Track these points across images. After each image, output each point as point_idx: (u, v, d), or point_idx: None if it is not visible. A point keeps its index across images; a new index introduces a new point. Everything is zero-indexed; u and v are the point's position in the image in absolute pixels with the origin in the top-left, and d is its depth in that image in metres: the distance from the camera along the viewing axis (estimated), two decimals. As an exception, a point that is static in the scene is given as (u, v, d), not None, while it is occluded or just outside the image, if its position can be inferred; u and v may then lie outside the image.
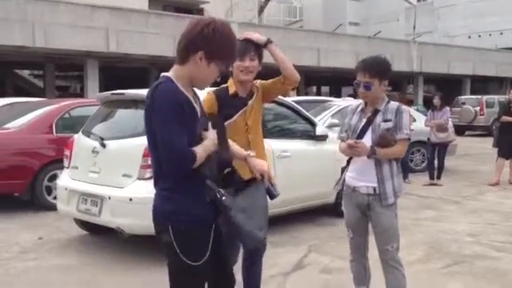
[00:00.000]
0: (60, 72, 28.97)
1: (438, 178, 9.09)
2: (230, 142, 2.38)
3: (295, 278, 4.32)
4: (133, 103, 5.11)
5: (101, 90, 16.98)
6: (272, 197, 2.38)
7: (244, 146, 2.77)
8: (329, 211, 6.19)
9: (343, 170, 3.35)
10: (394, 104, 3.21)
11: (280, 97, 5.96)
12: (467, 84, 32.90)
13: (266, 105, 5.59)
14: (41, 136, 6.90)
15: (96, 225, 4.99)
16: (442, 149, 9.08)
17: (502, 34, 40.27)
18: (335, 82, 33.57)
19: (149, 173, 4.28)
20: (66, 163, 5.45)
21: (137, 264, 4.58)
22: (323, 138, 5.99)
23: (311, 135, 5.97)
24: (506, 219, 6.41)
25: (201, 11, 29.83)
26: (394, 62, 3.34)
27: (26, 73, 31.20)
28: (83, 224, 5.41)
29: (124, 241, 5.04)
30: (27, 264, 4.68)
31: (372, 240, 3.26)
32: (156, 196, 2.25)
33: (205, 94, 3.04)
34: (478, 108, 20.94)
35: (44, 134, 6.91)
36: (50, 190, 6.76)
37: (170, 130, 2.06)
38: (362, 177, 3.18)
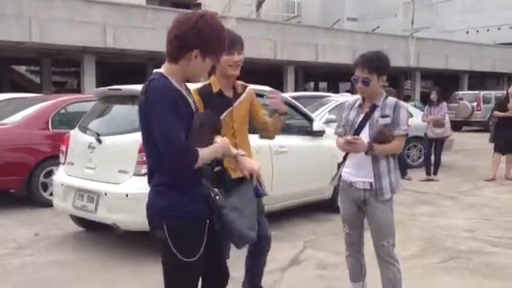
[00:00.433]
0: (57, 68, 28.92)
1: (435, 173, 9.11)
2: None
3: (291, 273, 4.32)
4: (129, 99, 5.09)
5: (97, 86, 16.93)
6: (259, 195, 2.39)
7: None
8: (325, 207, 6.19)
9: (339, 165, 3.35)
10: (392, 100, 3.21)
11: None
12: (465, 79, 32.94)
13: (263, 100, 5.64)
14: (37, 132, 6.87)
15: (92, 221, 4.97)
16: (438, 144, 9.09)
17: (499, 29, 40.32)
18: (333, 77, 33.60)
19: (145, 169, 4.24)
20: (62, 159, 5.43)
21: (132, 260, 4.57)
22: (320, 133, 5.99)
23: (308, 131, 5.97)
24: (502, 214, 6.42)
25: (198, 6, 29.75)
26: (391, 58, 3.32)
27: (22, 69, 31.16)
28: (79, 220, 5.40)
29: (119, 237, 5.03)
30: (23, 260, 4.68)
31: (368, 235, 3.27)
32: (150, 192, 2.24)
33: None
34: (475, 103, 20.94)
35: (40, 130, 6.89)
36: (46, 187, 6.74)
37: (168, 126, 2.05)
38: (358, 172, 3.18)
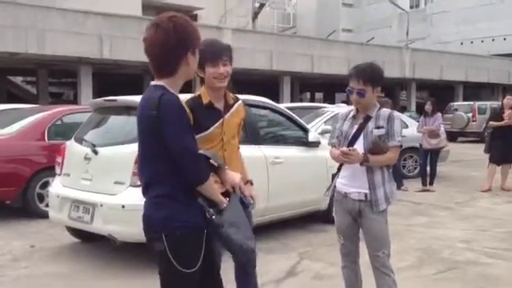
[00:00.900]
0: (53, 79, 28.88)
1: (431, 184, 9.13)
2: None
3: (287, 285, 4.31)
4: (125, 110, 5.10)
5: (94, 97, 16.95)
6: (245, 206, 2.42)
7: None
8: (320, 218, 6.19)
9: (334, 176, 3.36)
10: (385, 111, 3.23)
11: (272, 102, 6.01)
12: (460, 90, 33.11)
13: (259, 111, 5.67)
14: (33, 143, 6.87)
15: (88, 232, 4.96)
16: (434, 155, 9.12)
17: (493, 40, 40.60)
18: (329, 88, 33.69)
19: (141, 180, 4.27)
20: (57, 170, 5.43)
21: (128, 271, 4.56)
22: (316, 144, 6.00)
23: (304, 141, 5.99)
24: (498, 225, 6.44)
25: (194, 17, 29.87)
26: (386, 69, 3.35)
27: (19, 79, 31.10)
28: (75, 232, 5.38)
29: (115, 248, 5.02)
30: (19, 272, 4.65)
31: (363, 246, 3.27)
32: (148, 204, 2.24)
33: None
34: (470, 114, 21.05)
35: (36, 141, 6.88)
36: (42, 198, 6.71)
37: (187, 141, 2.13)
38: (353, 183, 3.19)
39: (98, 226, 4.65)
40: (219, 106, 2.97)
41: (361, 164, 3.09)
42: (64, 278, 4.50)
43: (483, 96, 32.03)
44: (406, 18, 35.90)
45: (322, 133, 7.70)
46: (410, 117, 14.79)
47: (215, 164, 2.31)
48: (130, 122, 4.77)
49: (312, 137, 6.03)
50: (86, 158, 4.93)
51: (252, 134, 5.25)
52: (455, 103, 24.18)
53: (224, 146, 2.94)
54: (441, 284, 4.33)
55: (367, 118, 3.18)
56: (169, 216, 2.16)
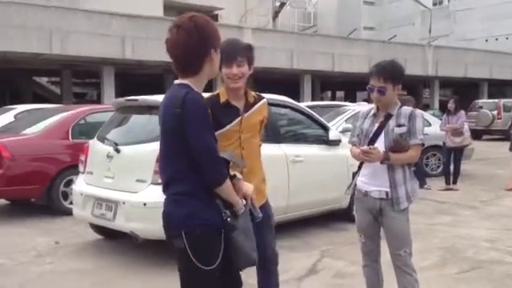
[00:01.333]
0: (77, 79, 29.35)
1: (454, 182, 8.99)
2: None
3: (308, 282, 4.31)
4: (146, 109, 5.16)
5: (117, 97, 17.13)
6: (252, 219, 2.40)
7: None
8: (341, 216, 6.16)
9: (354, 174, 3.34)
10: (407, 109, 3.19)
11: (293, 101, 6.00)
12: (484, 88, 32.56)
13: (280, 110, 5.66)
14: (57, 142, 6.99)
15: (111, 229, 5.03)
16: (457, 153, 8.99)
17: (519, 37, 39.80)
18: (350, 86, 33.46)
19: (162, 178, 4.31)
20: (81, 168, 5.52)
21: (150, 268, 4.61)
22: (336, 142, 5.97)
23: (324, 140, 5.96)
24: (524, 224, 6.31)
25: (215, 17, 30.00)
26: (408, 66, 3.30)
27: (44, 80, 31.66)
28: (98, 229, 5.46)
29: (138, 245, 5.08)
30: (44, 268, 4.75)
31: (384, 245, 3.25)
32: (168, 201, 2.27)
33: None
34: (495, 112, 20.69)
35: (60, 140, 7.00)
36: (66, 195, 6.83)
37: (208, 141, 2.16)
38: (374, 181, 3.17)
39: (121, 224, 4.71)
40: (238, 104, 2.96)
41: (381, 162, 3.07)
42: (88, 274, 4.57)
43: (508, 93, 31.36)
44: (428, 16, 35.42)
45: (343, 131, 7.66)
46: (433, 115, 14.62)
47: (231, 173, 2.31)
48: (151, 121, 4.82)
49: (333, 135, 6.01)
50: (109, 157, 4.99)
51: (272, 133, 5.25)
52: (480, 101, 23.81)
53: (242, 144, 2.93)
54: (464, 283, 4.26)
55: (388, 116, 3.16)
56: (189, 214, 2.18)
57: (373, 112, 3.27)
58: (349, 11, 47.53)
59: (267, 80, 20.12)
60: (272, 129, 5.22)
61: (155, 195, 4.36)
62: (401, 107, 3.19)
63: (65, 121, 7.20)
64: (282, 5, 34.61)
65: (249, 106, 2.99)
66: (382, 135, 3.14)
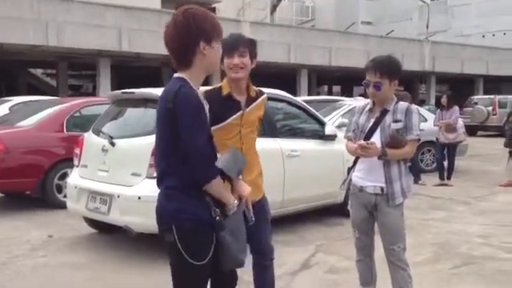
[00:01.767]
0: (73, 71, 29.21)
1: (448, 178, 9.02)
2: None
3: (302, 277, 4.32)
4: (142, 102, 5.14)
5: (113, 89, 17.08)
6: (246, 222, 2.37)
7: None
8: (336, 211, 6.16)
9: (349, 170, 3.34)
10: (403, 104, 3.19)
11: (289, 95, 5.99)
12: (480, 84, 32.61)
13: (276, 104, 5.65)
14: (52, 134, 6.95)
15: (105, 223, 5.02)
16: (451, 149, 8.99)
17: (516, 33, 39.85)
18: (346, 81, 33.47)
19: (157, 171, 4.30)
20: (75, 161, 5.50)
21: (144, 262, 4.61)
22: (332, 137, 5.97)
23: (320, 135, 5.96)
24: (517, 220, 6.34)
25: (213, 10, 29.90)
26: (405, 62, 3.29)
27: (39, 72, 31.52)
28: (92, 222, 5.45)
29: (132, 239, 5.08)
30: (37, 261, 4.74)
31: (378, 240, 3.25)
32: (160, 195, 2.26)
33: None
34: (490, 108, 20.74)
35: (55, 133, 6.96)
36: (60, 188, 6.80)
37: (197, 139, 2.12)
38: (369, 176, 3.17)
39: (115, 217, 4.70)
40: (240, 98, 2.95)
41: (379, 158, 3.07)
42: (81, 268, 4.57)
43: (504, 90, 31.47)
44: (426, 11, 35.42)
45: (340, 126, 7.65)
46: (429, 110, 14.61)
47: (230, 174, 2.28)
48: (147, 115, 4.81)
49: (328, 130, 6.01)
50: (104, 150, 4.97)
51: (269, 127, 5.24)
52: (475, 97, 23.84)
53: (242, 139, 2.92)
54: (457, 279, 4.28)
55: (384, 112, 3.16)
56: (179, 208, 2.17)
57: (369, 107, 3.27)
58: (347, 5, 47.44)
59: (264, 74, 20.07)
60: (268, 123, 5.21)
61: (150, 189, 4.32)
62: (397, 103, 3.19)
63: (59, 113, 7.16)
64: (280, -2, 34.51)
65: (250, 100, 2.98)
66: (378, 131, 3.14)
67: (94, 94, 23.25)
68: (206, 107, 2.28)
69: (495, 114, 20.49)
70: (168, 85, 2.26)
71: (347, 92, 34.15)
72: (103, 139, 5.08)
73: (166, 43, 2.24)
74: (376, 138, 3.12)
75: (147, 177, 4.52)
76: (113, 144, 4.92)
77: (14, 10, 16.63)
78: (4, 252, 4.97)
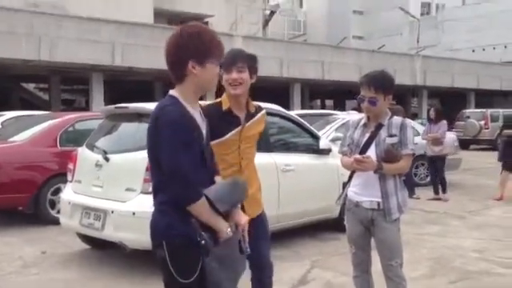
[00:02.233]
0: (65, 86, 29.13)
1: (443, 191, 9.01)
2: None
3: (298, 293, 4.28)
4: (136, 117, 5.12)
5: (106, 104, 17.06)
6: (241, 252, 2.29)
7: (235, 169, 2.84)
8: (331, 226, 6.14)
9: (345, 184, 3.33)
10: (398, 119, 3.20)
11: (283, 110, 5.99)
12: (471, 97, 32.89)
13: (270, 118, 5.64)
14: (45, 149, 6.91)
15: (99, 239, 4.97)
16: (439, 162, 8.99)
17: (506, 47, 40.35)
18: (339, 95, 33.63)
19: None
20: (69, 177, 5.45)
21: (137, 279, 4.55)
22: (326, 151, 5.97)
23: (314, 149, 5.96)
24: (511, 235, 6.34)
25: (206, 24, 30.02)
26: (397, 76, 3.31)
27: (31, 86, 31.39)
28: (86, 238, 5.39)
29: (125, 255, 5.02)
30: (29, 278, 4.67)
31: (375, 255, 3.24)
32: (154, 210, 2.25)
33: None
34: (482, 122, 20.87)
35: (48, 148, 6.92)
36: (53, 204, 6.73)
37: (176, 161, 2.08)
38: (365, 191, 3.17)
39: (109, 233, 4.65)
40: (240, 113, 2.94)
41: (375, 172, 3.07)
42: (74, 284, 4.51)
43: (496, 103, 31.73)
44: (416, 26, 35.79)
45: (333, 140, 7.67)
46: (421, 124, 14.68)
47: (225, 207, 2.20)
48: (140, 129, 4.78)
49: (323, 144, 6.01)
50: (98, 165, 4.94)
51: (263, 142, 5.20)
52: (467, 110, 24.00)
53: (241, 154, 2.92)
54: (454, 294, 4.27)
55: (379, 126, 3.16)
56: (170, 224, 2.15)
57: (363, 122, 3.27)
58: (338, 20, 47.90)
59: (257, 88, 20.07)
60: (262, 137, 5.17)
61: (145, 204, 4.30)
62: (391, 117, 3.20)
63: (53, 128, 7.12)
64: (272, 13, 34.76)
65: (249, 116, 2.97)
66: (373, 145, 3.14)
67: (87, 108, 23.16)
68: (203, 125, 2.26)
69: (487, 128, 20.62)
70: (159, 102, 2.26)
71: (340, 106, 34.29)
72: (97, 154, 5.05)
73: (165, 56, 2.26)
74: (371, 153, 3.12)
75: (142, 192, 4.50)
76: (107, 159, 4.89)
77: (6, 24, 16.61)
78: (-5, 269, 4.90)
